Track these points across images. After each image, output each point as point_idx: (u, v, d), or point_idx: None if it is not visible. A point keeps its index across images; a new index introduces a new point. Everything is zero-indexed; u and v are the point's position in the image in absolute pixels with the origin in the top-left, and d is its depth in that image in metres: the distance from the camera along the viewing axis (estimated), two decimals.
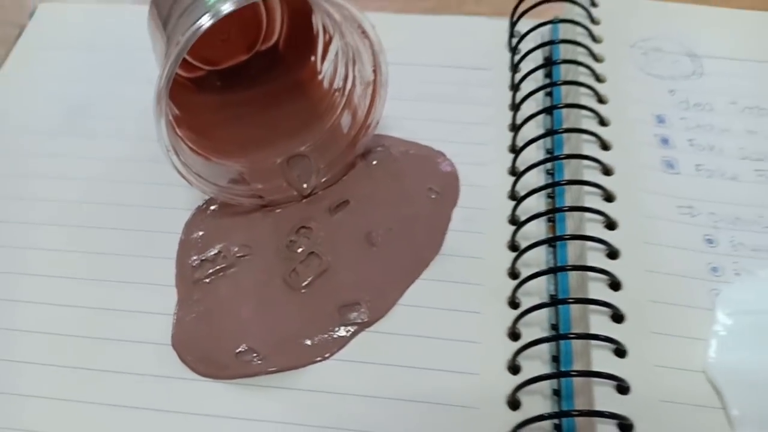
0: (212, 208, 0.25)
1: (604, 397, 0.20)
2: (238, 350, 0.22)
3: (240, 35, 0.28)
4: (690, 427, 0.19)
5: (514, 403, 0.20)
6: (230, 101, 0.27)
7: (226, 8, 0.21)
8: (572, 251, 0.23)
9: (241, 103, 0.27)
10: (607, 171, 0.24)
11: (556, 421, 0.20)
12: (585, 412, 0.19)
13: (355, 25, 0.23)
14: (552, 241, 0.23)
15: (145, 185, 0.26)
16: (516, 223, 0.24)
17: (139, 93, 0.24)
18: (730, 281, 0.22)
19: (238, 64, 0.28)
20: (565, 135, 0.26)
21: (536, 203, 0.25)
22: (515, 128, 0.27)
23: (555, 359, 0.22)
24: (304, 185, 0.25)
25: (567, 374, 0.20)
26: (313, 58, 0.27)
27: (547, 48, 0.29)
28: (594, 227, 0.23)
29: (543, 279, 0.23)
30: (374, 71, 0.24)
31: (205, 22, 0.21)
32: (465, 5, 0.34)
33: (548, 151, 0.27)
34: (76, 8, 0.33)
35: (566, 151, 0.26)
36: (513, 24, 0.30)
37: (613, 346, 0.20)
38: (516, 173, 0.25)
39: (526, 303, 0.22)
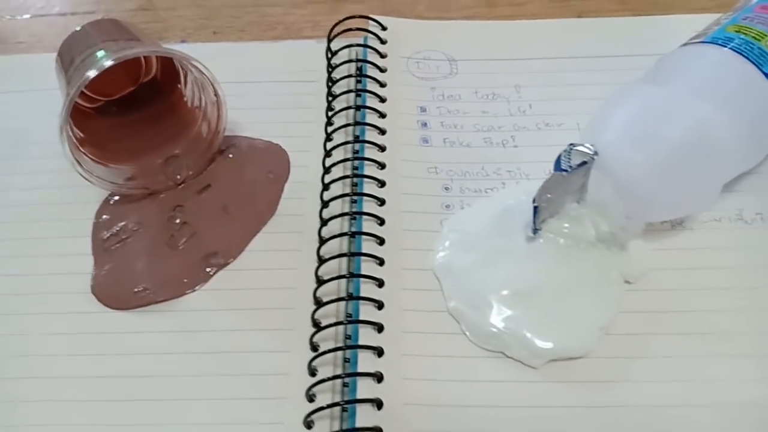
0: (114, 198, 0.36)
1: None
2: (136, 290, 0.32)
3: (127, 73, 0.38)
4: (422, 303, 0.31)
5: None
6: (123, 121, 0.37)
7: (108, 63, 0.32)
8: (365, 204, 0.35)
9: (131, 122, 0.37)
10: (382, 149, 0.36)
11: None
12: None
13: (192, 66, 0.33)
14: (345, 197, 0.34)
15: (68, 188, 0.36)
16: (325, 187, 0.35)
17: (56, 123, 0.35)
18: (455, 213, 0.34)
19: (128, 93, 0.38)
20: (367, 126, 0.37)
21: (341, 172, 0.36)
22: (328, 123, 0.38)
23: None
24: (178, 177, 0.36)
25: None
26: (179, 85, 0.37)
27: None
28: (371, 187, 0.34)
29: (345, 219, 0.34)
30: (215, 95, 0.35)
31: (91, 74, 0.31)
32: (303, 31, 0.44)
33: (356, 137, 0.38)
34: (10, 59, 0.43)
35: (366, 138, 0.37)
36: (329, 45, 0.41)
37: (376, 260, 0.32)
38: (326, 154, 0.37)
39: (327, 234, 0.33)
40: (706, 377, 0.28)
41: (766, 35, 0.30)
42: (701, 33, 0.32)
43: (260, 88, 0.40)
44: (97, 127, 0.36)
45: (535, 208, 0.29)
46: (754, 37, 0.30)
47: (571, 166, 0.29)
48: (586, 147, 0.28)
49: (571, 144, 0.29)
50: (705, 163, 0.29)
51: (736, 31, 0.31)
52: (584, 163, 0.28)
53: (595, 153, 0.28)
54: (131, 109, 0.38)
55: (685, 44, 0.32)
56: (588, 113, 0.33)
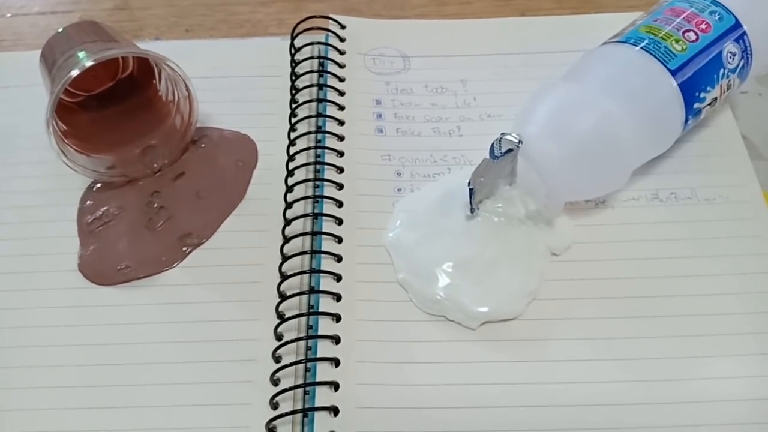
0: (97, 186, 0.39)
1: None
2: (119, 267, 0.36)
3: (106, 71, 0.41)
4: (375, 276, 0.35)
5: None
6: (103, 115, 0.40)
7: (88, 63, 0.35)
8: (325, 189, 0.38)
9: (110, 115, 0.40)
10: (341, 138, 0.40)
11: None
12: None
13: (166, 65, 0.37)
14: (307, 182, 0.38)
15: (54, 176, 0.39)
16: (289, 173, 0.39)
17: (41, 117, 0.37)
18: (406, 196, 0.38)
19: (107, 89, 0.41)
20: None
21: (305, 159, 0.39)
22: (292, 114, 0.41)
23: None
24: (155, 165, 0.39)
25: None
26: (154, 81, 0.41)
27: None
28: (330, 173, 0.38)
29: (308, 201, 0.38)
30: (187, 90, 0.38)
31: (74, 73, 0.34)
32: (269, 29, 0.48)
33: (318, 127, 0.41)
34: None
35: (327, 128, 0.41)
36: (292, 42, 0.44)
37: (335, 238, 0.36)
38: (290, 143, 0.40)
39: (291, 216, 0.37)
40: (619, 335, 0.33)
41: (672, 35, 0.34)
42: (619, 33, 0.36)
43: (229, 83, 0.43)
44: (79, 120, 0.40)
45: (471, 190, 0.33)
46: (662, 38, 0.34)
47: (501, 153, 0.33)
48: (512, 136, 0.32)
49: (502, 133, 0.33)
50: (612, 153, 0.33)
51: (647, 32, 0.35)
52: (510, 150, 0.32)
53: (520, 141, 0.32)
54: (110, 103, 0.41)
55: (604, 43, 0.37)
56: None
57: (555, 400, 0.31)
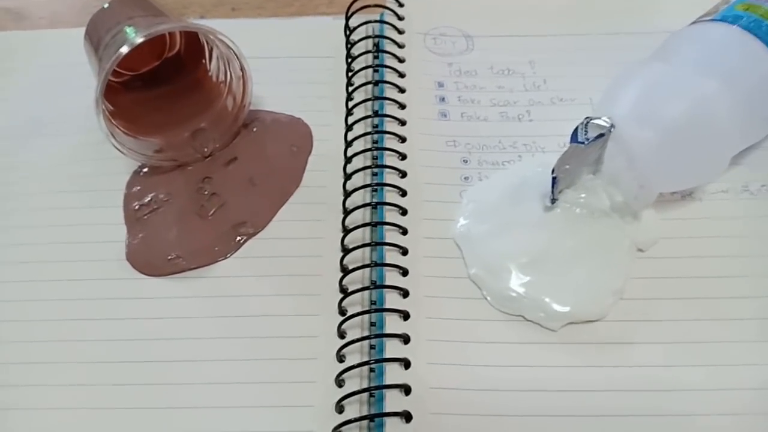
0: (144, 170, 0.37)
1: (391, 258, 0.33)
2: (169, 257, 0.34)
3: (152, 49, 0.39)
4: (444, 270, 0.32)
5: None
6: (149, 96, 0.38)
7: (139, 39, 0.33)
8: (386, 176, 0.36)
9: (157, 96, 0.38)
10: (402, 123, 0.37)
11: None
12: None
13: (219, 41, 0.34)
14: (366, 169, 0.36)
15: (96, 160, 0.37)
16: (347, 159, 0.36)
17: (82, 97, 0.35)
18: (474, 185, 0.35)
19: (152, 68, 0.39)
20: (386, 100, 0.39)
21: (362, 145, 0.37)
22: (348, 97, 0.39)
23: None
24: (205, 150, 0.37)
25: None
26: (204, 61, 0.39)
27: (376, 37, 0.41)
28: (392, 160, 0.36)
29: (368, 190, 0.35)
30: (241, 69, 0.36)
31: (124, 50, 0.32)
32: (319, 8, 0.45)
33: (375, 112, 0.39)
34: (32, 34, 0.44)
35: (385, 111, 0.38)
36: (347, 22, 0.42)
37: (399, 230, 0.33)
38: (348, 128, 0.38)
39: (351, 205, 0.34)
40: (712, 339, 0.30)
41: None
42: (711, 11, 0.34)
43: (280, 64, 0.41)
44: (125, 101, 0.37)
45: (554, 178, 0.31)
46: (761, 15, 0.32)
47: (587, 138, 0.30)
48: (603, 120, 0.30)
49: (587, 117, 0.31)
50: (710, 137, 0.30)
51: (745, 10, 0.32)
52: (601, 135, 0.30)
53: (612, 126, 0.30)
54: (156, 84, 0.39)
55: (695, 22, 0.34)
56: (600, 89, 0.34)
57: (643, 408, 0.29)
